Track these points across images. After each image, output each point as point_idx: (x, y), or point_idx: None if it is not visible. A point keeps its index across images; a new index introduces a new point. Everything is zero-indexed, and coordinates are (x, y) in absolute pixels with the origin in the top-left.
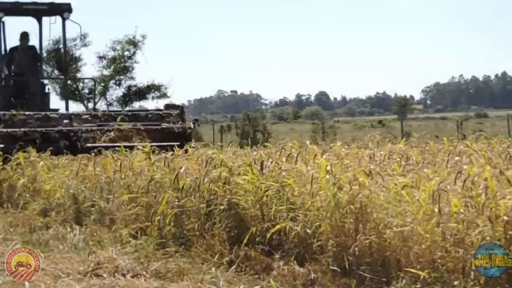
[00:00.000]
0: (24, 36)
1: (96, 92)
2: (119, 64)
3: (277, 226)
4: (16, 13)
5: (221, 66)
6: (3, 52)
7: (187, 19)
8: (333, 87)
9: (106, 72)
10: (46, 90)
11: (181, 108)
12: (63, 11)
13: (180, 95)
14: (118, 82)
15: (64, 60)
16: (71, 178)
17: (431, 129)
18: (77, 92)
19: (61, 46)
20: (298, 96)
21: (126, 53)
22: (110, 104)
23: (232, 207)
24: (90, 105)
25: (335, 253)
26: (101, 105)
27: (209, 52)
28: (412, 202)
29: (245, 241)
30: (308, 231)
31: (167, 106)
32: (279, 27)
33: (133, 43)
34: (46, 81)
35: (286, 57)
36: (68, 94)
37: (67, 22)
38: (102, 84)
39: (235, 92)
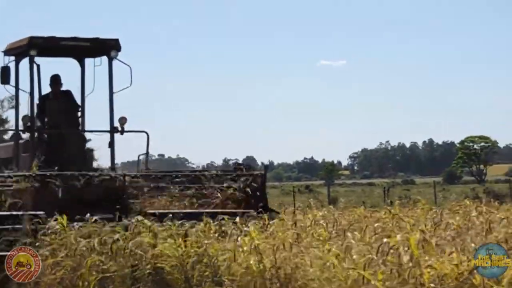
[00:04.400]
0: (55, 80)
1: None
2: None
3: None
4: (52, 53)
5: (147, 128)
6: (36, 100)
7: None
8: (261, 151)
9: None
10: (89, 145)
11: (265, 167)
12: (110, 49)
13: (105, 158)
14: None
15: (111, 109)
16: None
17: (358, 195)
18: None
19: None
20: (226, 161)
21: None
22: None
23: (157, 272)
24: None
25: None
26: None
27: (134, 114)
28: (339, 269)
29: None
30: None
31: (237, 164)
32: (206, 90)
33: None
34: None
35: (213, 121)
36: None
37: (115, 63)
38: None
39: (162, 155)
